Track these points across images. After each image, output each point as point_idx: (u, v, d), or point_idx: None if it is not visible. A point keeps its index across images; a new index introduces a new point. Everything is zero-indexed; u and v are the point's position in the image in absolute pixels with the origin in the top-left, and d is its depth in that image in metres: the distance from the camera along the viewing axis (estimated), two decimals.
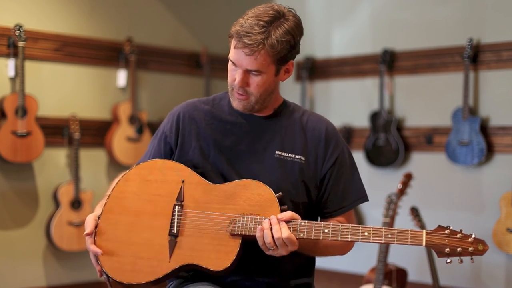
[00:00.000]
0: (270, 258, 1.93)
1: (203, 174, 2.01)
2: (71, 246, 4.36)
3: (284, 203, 1.92)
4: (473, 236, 1.81)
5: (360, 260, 4.36)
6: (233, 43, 1.94)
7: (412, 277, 4.29)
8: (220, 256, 1.88)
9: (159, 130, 2.15)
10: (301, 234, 1.86)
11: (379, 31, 4.95)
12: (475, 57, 4.33)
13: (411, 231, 1.82)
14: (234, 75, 1.97)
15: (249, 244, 1.91)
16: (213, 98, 2.15)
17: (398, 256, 4.25)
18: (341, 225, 1.87)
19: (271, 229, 1.85)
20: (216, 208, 1.94)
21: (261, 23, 1.90)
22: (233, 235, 1.90)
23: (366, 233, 1.85)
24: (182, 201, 1.96)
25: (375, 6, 4.98)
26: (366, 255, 4.17)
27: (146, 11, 5.04)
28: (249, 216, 1.90)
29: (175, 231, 1.93)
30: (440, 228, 1.83)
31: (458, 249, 1.79)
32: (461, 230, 1.82)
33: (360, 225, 1.86)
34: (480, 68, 4.34)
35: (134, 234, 1.96)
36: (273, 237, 1.84)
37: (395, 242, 1.83)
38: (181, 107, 2.13)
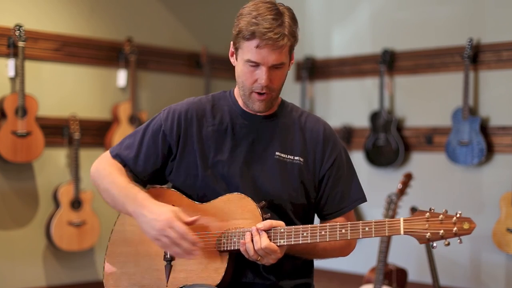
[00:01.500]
0: None
1: (203, 177, 2.01)
2: (71, 246, 4.36)
3: (267, 212, 1.95)
4: (457, 215, 1.73)
5: (360, 260, 4.36)
6: (252, 43, 1.90)
7: (412, 277, 4.29)
8: (210, 274, 1.93)
9: (154, 125, 2.09)
10: (282, 241, 1.87)
11: (379, 31, 4.95)
12: (475, 57, 4.33)
13: (388, 221, 1.78)
14: (254, 76, 1.94)
15: None
16: (212, 98, 2.12)
17: (398, 256, 4.25)
18: (319, 226, 1.86)
19: (252, 241, 1.86)
20: (204, 227, 1.96)
21: (271, 16, 1.90)
22: (220, 251, 1.93)
23: (343, 230, 1.83)
24: None
25: (375, 6, 4.98)
26: (366, 255, 4.17)
27: (146, 11, 5.04)
28: (232, 231, 1.92)
29: (168, 256, 2.00)
30: (420, 212, 1.76)
31: (441, 232, 1.72)
32: (445, 211, 1.75)
33: (338, 223, 1.84)
34: (480, 68, 4.34)
35: (136, 263, 2.05)
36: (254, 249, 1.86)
37: (373, 235, 1.79)
38: (181, 106, 2.10)
